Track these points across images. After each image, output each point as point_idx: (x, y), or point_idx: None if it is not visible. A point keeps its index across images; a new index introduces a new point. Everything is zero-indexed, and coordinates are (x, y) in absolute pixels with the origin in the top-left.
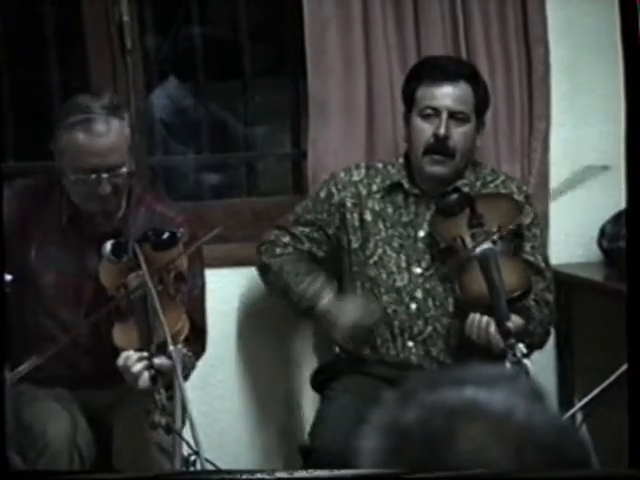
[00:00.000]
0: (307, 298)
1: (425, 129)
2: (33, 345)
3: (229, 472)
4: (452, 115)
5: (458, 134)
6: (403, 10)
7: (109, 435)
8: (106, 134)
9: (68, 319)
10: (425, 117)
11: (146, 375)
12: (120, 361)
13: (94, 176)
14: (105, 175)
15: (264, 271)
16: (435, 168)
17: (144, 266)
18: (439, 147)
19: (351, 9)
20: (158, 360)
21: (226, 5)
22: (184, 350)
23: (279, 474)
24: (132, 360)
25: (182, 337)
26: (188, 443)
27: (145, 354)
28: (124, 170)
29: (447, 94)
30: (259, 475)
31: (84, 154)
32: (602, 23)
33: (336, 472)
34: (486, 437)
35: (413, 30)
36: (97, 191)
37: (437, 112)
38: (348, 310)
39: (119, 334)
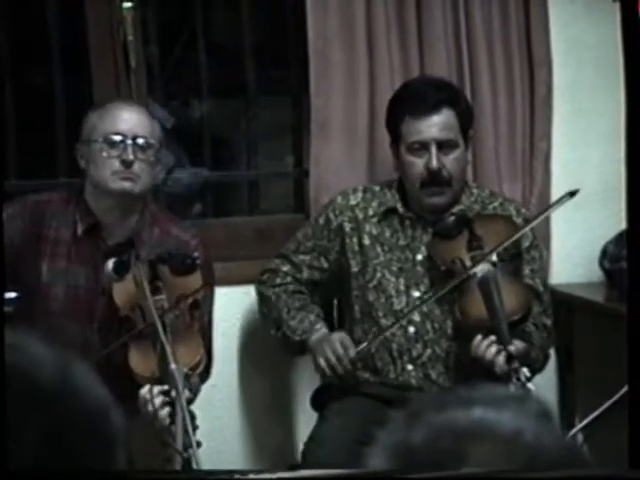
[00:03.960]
0: (299, 333)
1: (417, 163)
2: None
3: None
4: (441, 145)
5: (450, 162)
6: (407, 30)
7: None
8: (136, 108)
9: (81, 333)
10: (414, 151)
11: (164, 412)
12: (140, 396)
13: (120, 138)
14: (130, 142)
15: (261, 301)
16: (434, 199)
17: (146, 284)
18: (435, 179)
19: (355, 28)
20: (174, 393)
21: (229, 24)
22: (185, 369)
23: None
24: (150, 397)
25: (199, 371)
26: (190, 462)
27: (164, 388)
28: (149, 142)
29: (432, 125)
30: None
31: (113, 119)
32: (605, 44)
33: (320, 471)
34: (494, 457)
35: (417, 50)
36: (122, 158)
37: (425, 145)
38: (328, 349)
39: (135, 358)
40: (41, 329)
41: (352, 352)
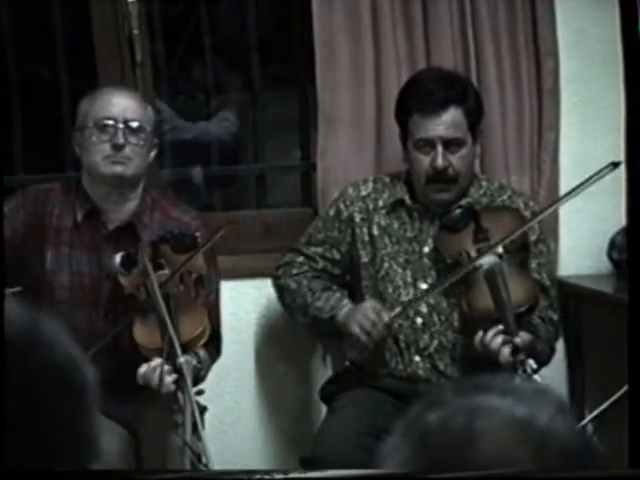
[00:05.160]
0: (327, 310)
1: (423, 160)
2: None
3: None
4: (447, 143)
5: (457, 159)
6: (413, 22)
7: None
8: (127, 92)
9: (87, 320)
10: (420, 148)
11: (169, 379)
12: (141, 372)
13: (111, 122)
14: (121, 125)
15: (282, 292)
16: (440, 195)
17: (151, 272)
18: (440, 177)
19: (361, 21)
20: (179, 360)
21: (235, 17)
22: (194, 361)
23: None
24: (152, 368)
25: (202, 341)
26: (198, 455)
27: (161, 361)
28: (141, 125)
29: (439, 124)
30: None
31: (104, 104)
32: (611, 35)
33: (329, 472)
34: (506, 440)
35: (423, 42)
36: (112, 142)
37: (432, 143)
38: (360, 316)
39: (140, 333)
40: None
41: (386, 317)
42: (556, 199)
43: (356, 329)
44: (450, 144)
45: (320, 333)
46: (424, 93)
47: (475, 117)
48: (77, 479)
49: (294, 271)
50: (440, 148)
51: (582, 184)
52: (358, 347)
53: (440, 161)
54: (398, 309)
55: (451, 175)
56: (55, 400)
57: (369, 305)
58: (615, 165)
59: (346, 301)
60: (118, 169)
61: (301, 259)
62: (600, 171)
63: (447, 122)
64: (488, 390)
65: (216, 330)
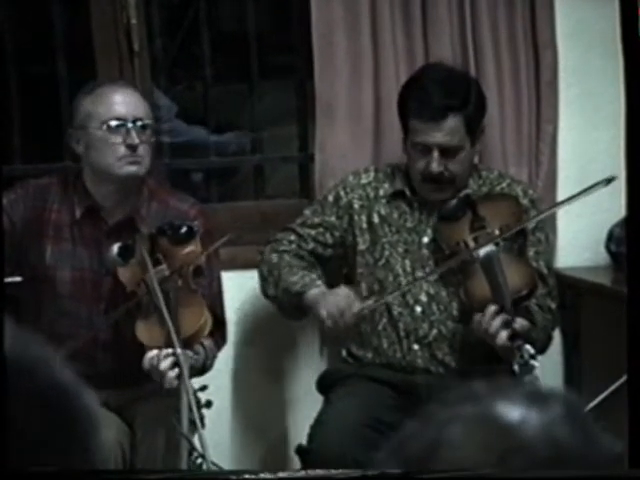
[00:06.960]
0: (298, 286)
1: (419, 161)
2: (53, 344)
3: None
4: (444, 150)
5: (453, 164)
6: (411, 14)
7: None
8: (128, 89)
9: (87, 316)
10: (417, 151)
11: (172, 374)
12: (146, 361)
13: (121, 122)
14: (131, 125)
15: (262, 264)
16: (435, 194)
17: (147, 257)
18: (435, 179)
19: (359, 12)
20: (177, 351)
21: (234, 8)
22: (190, 353)
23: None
24: (157, 359)
25: (206, 332)
26: (194, 446)
27: (170, 351)
28: (148, 122)
29: (436, 131)
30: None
31: (109, 104)
32: (611, 28)
33: (314, 472)
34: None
35: (421, 34)
36: (126, 142)
37: (428, 148)
38: (331, 301)
39: (143, 330)
40: (48, 312)
41: (356, 307)
42: (552, 204)
43: (324, 313)
44: (447, 151)
45: (287, 309)
46: (423, 98)
47: (475, 122)
48: (75, 479)
49: (281, 248)
50: (436, 154)
51: (577, 195)
52: (329, 326)
53: (435, 167)
54: (371, 301)
55: (447, 178)
56: (47, 431)
57: (342, 292)
58: (609, 181)
59: (320, 282)
60: (133, 169)
61: (292, 237)
62: (595, 184)
63: (444, 130)
64: (484, 398)
65: (220, 318)
